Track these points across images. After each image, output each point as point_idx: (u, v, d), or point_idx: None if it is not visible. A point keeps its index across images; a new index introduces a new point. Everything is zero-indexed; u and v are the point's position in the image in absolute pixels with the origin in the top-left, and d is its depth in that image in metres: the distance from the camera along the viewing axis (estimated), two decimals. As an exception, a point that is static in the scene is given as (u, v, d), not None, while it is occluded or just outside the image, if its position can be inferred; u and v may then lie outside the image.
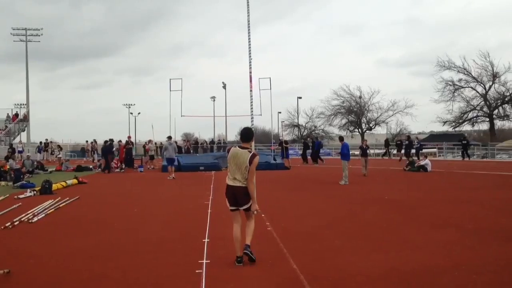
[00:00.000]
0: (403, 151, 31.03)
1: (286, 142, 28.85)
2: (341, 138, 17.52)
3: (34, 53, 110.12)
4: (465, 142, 32.04)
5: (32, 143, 44.51)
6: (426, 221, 8.63)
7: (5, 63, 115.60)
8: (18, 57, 47.08)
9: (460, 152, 32.56)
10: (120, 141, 27.10)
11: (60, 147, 38.42)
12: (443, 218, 8.97)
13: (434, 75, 57.75)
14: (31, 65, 63.40)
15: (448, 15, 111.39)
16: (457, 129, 52.82)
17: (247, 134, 5.84)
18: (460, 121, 51.83)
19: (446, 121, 52.11)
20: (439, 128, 56.65)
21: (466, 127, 53.97)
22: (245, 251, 5.54)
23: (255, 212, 5.62)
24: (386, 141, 37.20)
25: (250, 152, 5.62)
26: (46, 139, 39.53)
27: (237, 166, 5.59)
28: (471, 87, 50.84)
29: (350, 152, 16.93)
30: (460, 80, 50.67)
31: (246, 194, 5.60)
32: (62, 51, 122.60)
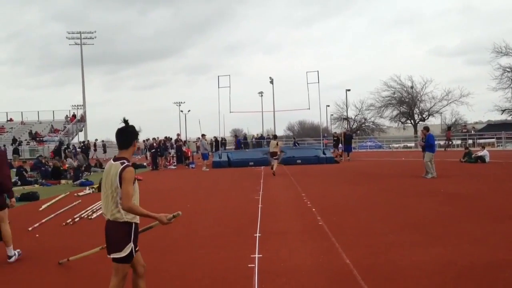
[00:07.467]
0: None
1: (351, 136, 28.74)
2: (426, 128, 16.14)
3: (98, 56, 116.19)
4: None
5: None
6: (485, 214, 8.29)
7: (70, 67, 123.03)
8: (84, 61, 49.59)
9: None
10: (167, 137, 27.99)
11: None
12: (504, 210, 8.60)
13: (491, 62, 55.02)
14: (96, 69, 67.04)
15: (506, 0, 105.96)
16: (516, 117, 50.21)
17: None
18: (520, 108, 49.21)
19: (505, 110, 49.64)
20: (497, 117, 53.95)
21: (526, 116, 51.16)
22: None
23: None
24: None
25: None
26: (96, 139, 42.00)
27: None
28: (531, 73, 48.09)
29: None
30: (518, 66, 48.03)
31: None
32: (126, 54, 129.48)
